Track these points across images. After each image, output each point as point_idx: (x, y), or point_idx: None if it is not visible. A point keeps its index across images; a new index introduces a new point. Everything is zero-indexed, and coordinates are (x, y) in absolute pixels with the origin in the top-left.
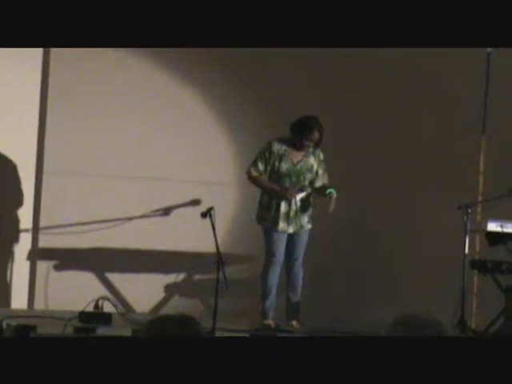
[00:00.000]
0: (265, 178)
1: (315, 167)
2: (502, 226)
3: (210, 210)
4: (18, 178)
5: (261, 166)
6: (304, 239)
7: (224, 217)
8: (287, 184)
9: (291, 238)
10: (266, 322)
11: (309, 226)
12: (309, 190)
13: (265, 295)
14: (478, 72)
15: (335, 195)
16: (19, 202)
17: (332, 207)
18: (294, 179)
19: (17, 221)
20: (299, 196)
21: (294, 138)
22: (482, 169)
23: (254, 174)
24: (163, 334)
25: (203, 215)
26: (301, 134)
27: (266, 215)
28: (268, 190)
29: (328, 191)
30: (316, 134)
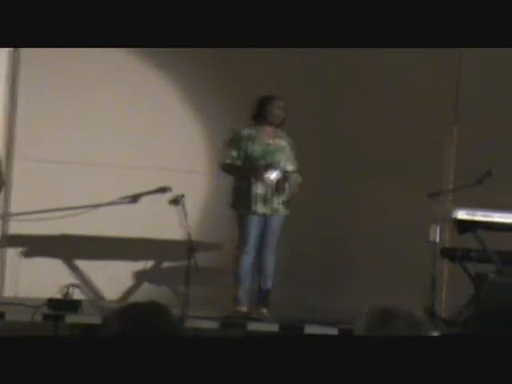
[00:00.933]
0: (238, 163)
1: (287, 149)
2: (471, 214)
3: (179, 197)
4: None
5: (233, 153)
6: (277, 226)
7: (195, 205)
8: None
9: (264, 224)
10: (239, 308)
11: (283, 213)
12: (281, 172)
13: (238, 282)
14: (450, 61)
15: (299, 180)
16: None
17: (289, 189)
18: (268, 160)
19: None
20: (273, 175)
21: (260, 116)
22: (453, 158)
23: (228, 161)
24: (133, 321)
25: (173, 202)
26: (266, 105)
27: (242, 199)
28: (243, 175)
29: (294, 175)
30: (280, 102)
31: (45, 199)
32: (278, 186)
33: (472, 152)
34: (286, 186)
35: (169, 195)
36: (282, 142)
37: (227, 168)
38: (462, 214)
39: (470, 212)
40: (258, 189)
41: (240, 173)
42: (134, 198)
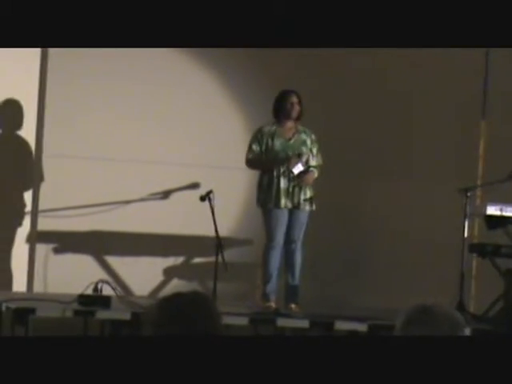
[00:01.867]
0: (262, 158)
1: (309, 143)
2: (501, 210)
3: (208, 193)
4: (17, 162)
5: (256, 148)
6: (303, 220)
7: (223, 200)
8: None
9: (290, 220)
10: (268, 304)
11: (308, 208)
12: (305, 164)
13: (266, 278)
14: (478, 56)
15: (315, 174)
16: (19, 185)
17: (305, 182)
18: (289, 154)
19: (16, 204)
20: (297, 167)
21: (278, 112)
22: (481, 153)
23: (251, 156)
24: (175, 312)
25: (202, 199)
26: (280, 100)
27: (267, 195)
28: (267, 167)
29: (310, 168)
30: (293, 96)
31: (74, 196)
32: (300, 180)
33: (500, 147)
34: (308, 179)
35: (199, 191)
36: (303, 137)
37: (252, 163)
38: (491, 210)
39: (500, 207)
40: (282, 183)
41: (264, 166)
42: (164, 194)
